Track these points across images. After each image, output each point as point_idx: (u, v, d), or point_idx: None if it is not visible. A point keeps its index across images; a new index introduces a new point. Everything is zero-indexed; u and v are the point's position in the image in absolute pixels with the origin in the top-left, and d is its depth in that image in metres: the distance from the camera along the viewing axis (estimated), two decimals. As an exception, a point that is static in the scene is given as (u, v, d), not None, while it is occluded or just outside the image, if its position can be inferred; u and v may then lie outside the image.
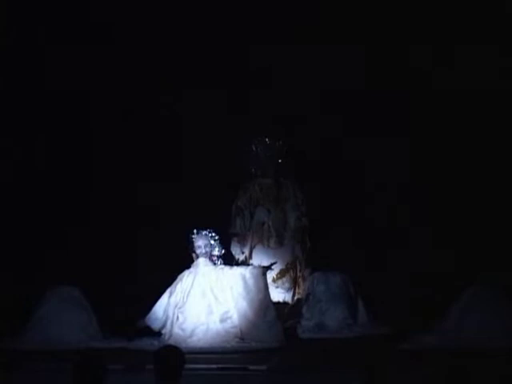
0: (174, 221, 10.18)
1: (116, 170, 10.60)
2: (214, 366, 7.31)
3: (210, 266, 8.96)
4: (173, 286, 8.90)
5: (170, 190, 10.42)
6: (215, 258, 9.05)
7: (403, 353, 7.75)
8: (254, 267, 9.16)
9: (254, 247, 10.11)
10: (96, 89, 10.53)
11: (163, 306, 8.81)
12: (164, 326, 8.73)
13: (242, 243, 10.13)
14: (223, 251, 9.17)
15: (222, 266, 9.03)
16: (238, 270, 8.91)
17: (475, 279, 8.59)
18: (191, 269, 8.98)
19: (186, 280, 8.85)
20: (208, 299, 8.71)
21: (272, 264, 9.42)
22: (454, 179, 10.09)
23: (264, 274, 8.86)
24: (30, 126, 10.58)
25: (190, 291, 8.74)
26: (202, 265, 8.94)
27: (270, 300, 8.87)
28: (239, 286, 8.70)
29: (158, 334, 8.74)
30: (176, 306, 8.73)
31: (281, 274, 9.90)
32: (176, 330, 8.61)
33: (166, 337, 8.58)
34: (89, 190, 10.58)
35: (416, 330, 8.36)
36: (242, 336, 8.54)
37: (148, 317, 8.82)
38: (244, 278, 8.72)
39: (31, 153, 10.62)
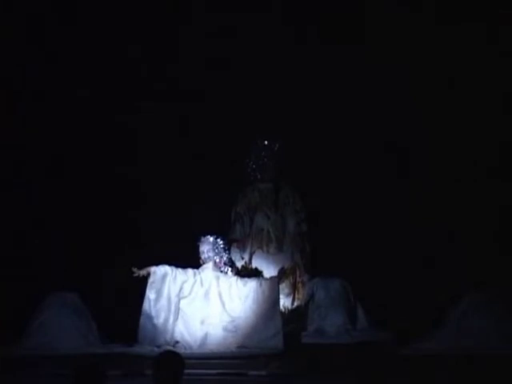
0: (176, 227, 10.19)
1: (117, 171, 10.62)
2: (213, 371, 7.33)
3: (219, 273, 8.96)
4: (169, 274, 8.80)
5: (171, 195, 10.45)
6: (222, 265, 9.06)
7: (402, 358, 7.75)
8: (268, 279, 9.15)
9: (254, 253, 10.12)
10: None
11: (146, 315, 8.66)
12: (156, 334, 8.63)
13: (242, 249, 10.15)
14: (227, 257, 9.18)
15: (236, 278, 9.01)
16: (253, 282, 8.84)
17: (474, 284, 8.60)
18: (200, 270, 8.96)
19: (192, 279, 8.79)
20: (212, 305, 8.71)
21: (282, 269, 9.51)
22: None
23: (278, 285, 8.88)
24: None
25: (196, 293, 8.73)
26: (211, 270, 8.95)
27: (279, 311, 8.82)
28: (251, 298, 8.70)
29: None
30: (177, 296, 8.69)
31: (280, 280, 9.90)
32: (176, 334, 8.62)
33: (168, 337, 8.58)
34: (89, 193, 10.58)
35: (415, 336, 8.36)
36: (242, 344, 8.54)
37: (139, 339, 8.64)
38: (257, 290, 8.71)
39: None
